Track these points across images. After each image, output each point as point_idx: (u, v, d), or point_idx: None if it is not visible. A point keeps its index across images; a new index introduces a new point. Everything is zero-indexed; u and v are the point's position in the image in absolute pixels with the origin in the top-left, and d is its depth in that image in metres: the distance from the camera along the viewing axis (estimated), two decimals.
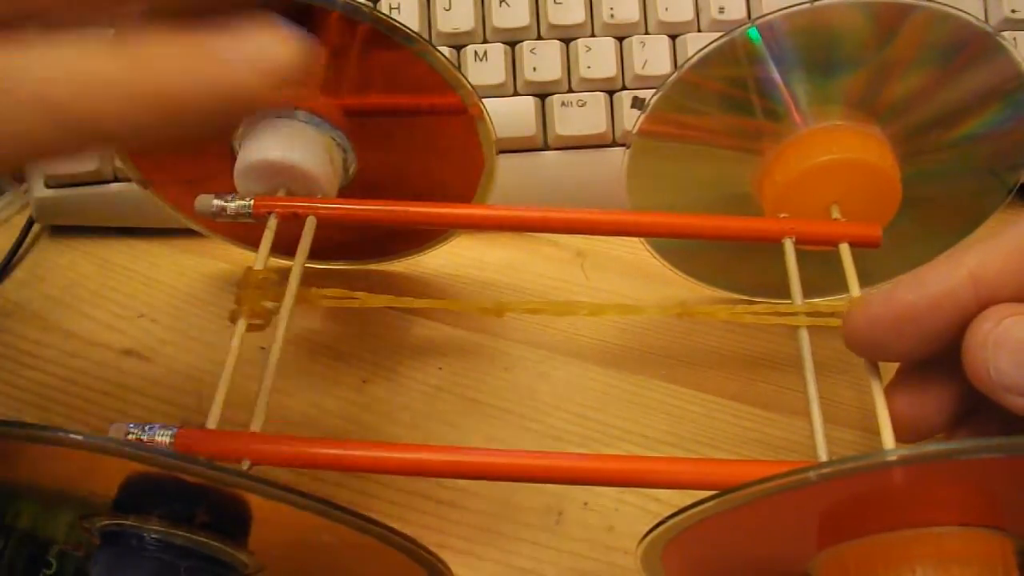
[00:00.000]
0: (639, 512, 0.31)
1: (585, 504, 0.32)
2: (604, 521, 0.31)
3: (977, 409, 0.26)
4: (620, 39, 0.42)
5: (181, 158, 0.35)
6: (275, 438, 0.26)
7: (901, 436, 0.27)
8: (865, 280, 0.29)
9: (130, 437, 0.25)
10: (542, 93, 0.42)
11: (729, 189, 0.34)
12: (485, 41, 0.42)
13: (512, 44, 0.42)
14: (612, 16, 0.42)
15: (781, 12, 0.30)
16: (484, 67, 0.41)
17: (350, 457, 0.26)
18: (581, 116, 0.41)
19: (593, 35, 0.42)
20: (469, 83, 0.32)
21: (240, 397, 0.27)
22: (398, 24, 0.31)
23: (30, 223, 0.42)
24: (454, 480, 0.32)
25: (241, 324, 0.28)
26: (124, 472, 0.21)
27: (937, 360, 0.26)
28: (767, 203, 0.32)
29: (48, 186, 0.41)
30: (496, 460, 0.26)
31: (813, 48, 0.31)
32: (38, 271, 0.40)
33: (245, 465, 0.25)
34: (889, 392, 0.27)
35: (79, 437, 0.19)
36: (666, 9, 0.42)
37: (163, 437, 0.25)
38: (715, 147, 0.34)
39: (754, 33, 0.30)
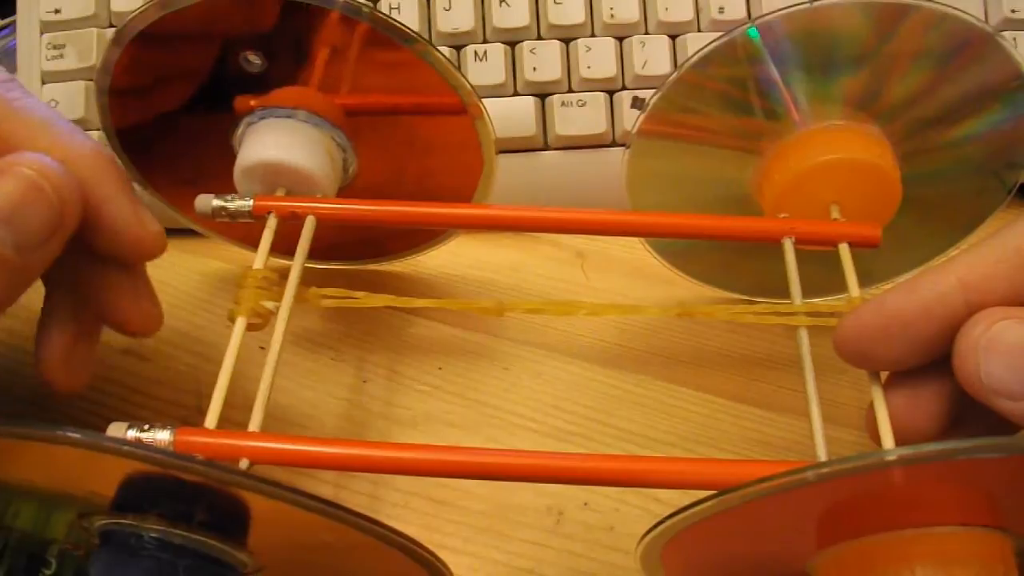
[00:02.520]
0: (639, 512, 0.31)
1: (585, 504, 0.32)
2: (604, 521, 0.31)
3: (967, 415, 0.26)
4: (620, 39, 0.42)
5: (181, 158, 0.35)
6: (274, 437, 0.26)
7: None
8: (865, 280, 0.29)
9: (129, 436, 0.25)
10: (542, 93, 0.42)
11: (729, 189, 0.34)
12: (485, 41, 0.42)
13: (512, 44, 0.42)
14: (612, 16, 0.42)
15: (781, 12, 0.30)
16: (484, 67, 0.41)
17: (350, 457, 0.26)
18: (581, 116, 0.41)
19: (593, 35, 0.42)
20: (469, 83, 0.32)
21: (240, 397, 0.28)
22: (398, 24, 0.31)
23: None
24: (454, 480, 0.32)
25: (240, 324, 0.28)
26: (123, 471, 0.21)
27: (927, 367, 0.26)
28: (767, 203, 0.32)
29: None
30: (496, 460, 0.26)
31: (813, 48, 0.31)
32: None
33: (244, 464, 0.25)
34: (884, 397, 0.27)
35: (77, 436, 0.19)
36: (666, 9, 0.42)
37: (162, 436, 0.25)
38: (715, 147, 0.34)
39: (754, 33, 0.30)
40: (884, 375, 0.27)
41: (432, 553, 0.23)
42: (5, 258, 0.24)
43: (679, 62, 0.41)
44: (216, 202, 0.31)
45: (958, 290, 0.24)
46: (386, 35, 0.31)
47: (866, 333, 0.26)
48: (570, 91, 0.42)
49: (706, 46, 0.31)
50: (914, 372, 0.26)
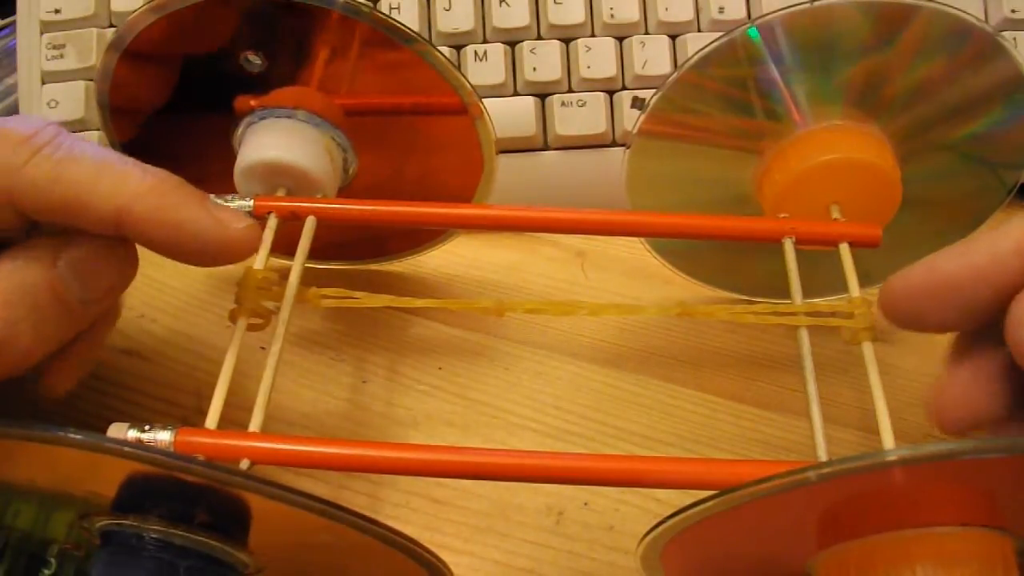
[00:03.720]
0: (639, 512, 0.31)
1: (585, 504, 0.32)
2: (604, 521, 0.31)
3: None
4: (620, 39, 0.42)
5: (181, 159, 0.35)
6: (275, 438, 0.26)
7: (953, 424, 0.26)
8: (865, 280, 0.29)
9: (130, 437, 0.25)
10: (542, 93, 0.42)
11: (729, 189, 0.34)
12: (485, 41, 0.42)
13: (512, 44, 0.42)
14: (612, 16, 0.42)
15: (781, 12, 0.30)
16: (484, 67, 0.41)
17: (350, 457, 0.26)
18: (581, 116, 0.41)
19: (593, 35, 0.42)
20: (469, 83, 0.32)
21: (240, 397, 0.28)
22: (398, 24, 0.31)
23: None
24: (454, 480, 0.32)
25: (241, 324, 0.28)
26: (123, 472, 0.21)
27: (992, 345, 0.25)
28: (767, 203, 0.32)
29: None
30: (496, 460, 0.26)
31: (813, 48, 0.31)
32: None
33: (245, 465, 0.25)
34: (946, 375, 0.26)
35: (78, 436, 0.19)
36: (666, 9, 0.42)
37: (163, 437, 0.25)
38: (715, 147, 0.34)
39: (754, 33, 0.30)
40: (884, 377, 0.27)
41: (432, 553, 0.23)
42: (71, 307, 0.26)
43: (679, 62, 0.41)
44: (217, 202, 0.30)
45: (1014, 255, 0.24)
46: (386, 35, 0.31)
47: (916, 292, 0.25)
48: (570, 91, 0.42)
49: (706, 46, 0.31)
50: (977, 350, 0.26)
